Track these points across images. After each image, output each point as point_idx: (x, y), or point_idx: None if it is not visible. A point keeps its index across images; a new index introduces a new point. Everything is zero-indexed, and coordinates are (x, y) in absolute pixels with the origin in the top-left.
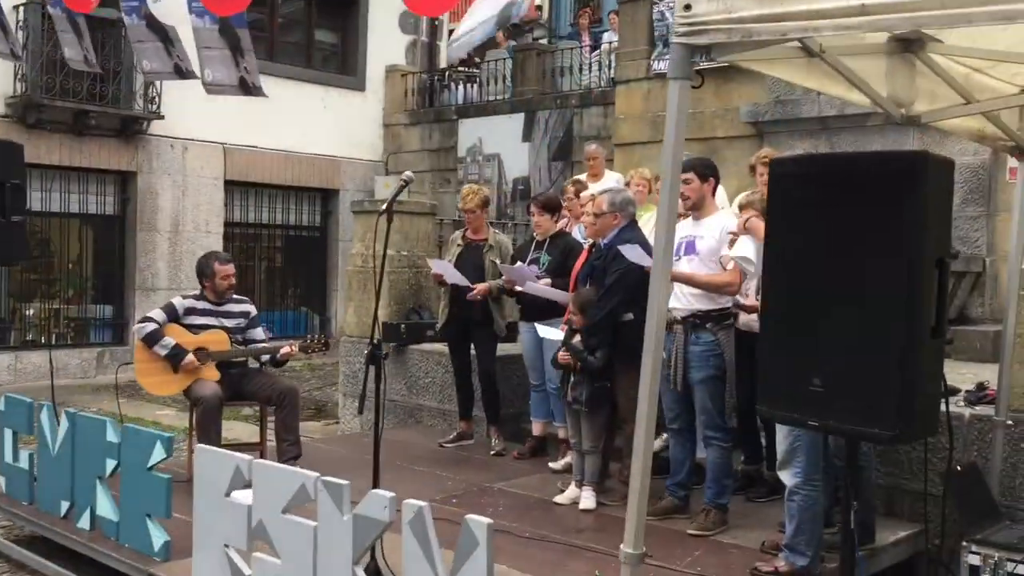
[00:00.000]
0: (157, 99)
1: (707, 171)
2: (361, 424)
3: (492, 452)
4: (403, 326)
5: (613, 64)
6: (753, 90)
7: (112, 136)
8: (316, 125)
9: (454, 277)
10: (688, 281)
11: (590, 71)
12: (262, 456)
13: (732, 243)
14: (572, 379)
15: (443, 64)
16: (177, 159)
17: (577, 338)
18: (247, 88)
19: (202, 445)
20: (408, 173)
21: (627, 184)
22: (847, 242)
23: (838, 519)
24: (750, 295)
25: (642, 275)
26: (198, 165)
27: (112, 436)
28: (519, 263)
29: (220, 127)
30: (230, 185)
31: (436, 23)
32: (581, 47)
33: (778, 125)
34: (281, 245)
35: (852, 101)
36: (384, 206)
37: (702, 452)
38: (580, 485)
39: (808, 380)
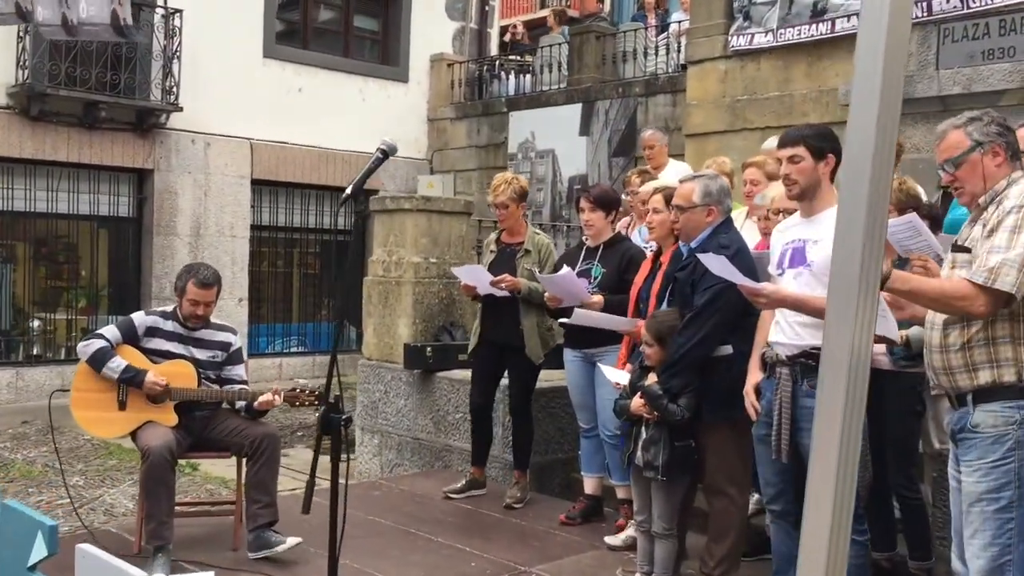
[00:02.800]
0: (175, 89)
1: (824, 145)
2: (381, 466)
3: (505, 504)
4: (430, 349)
5: (683, 47)
6: (853, 67)
7: (126, 130)
8: (353, 119)
9: (487, 286)
10: (797, 306)
11: (656, 55)
12: (241, 520)
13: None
14: (643, 434)
15: (493, 52)
16: (199, 155)
17: (652, 378)
18: (119, 29)
19: (84, 546)
20: (387, 140)
21: None
22: None
23: None
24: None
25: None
26: (222, 162)
27: None
28: (565, 269)
29: (246, 120)
30: (257, 184)
31: (487, 8)
32: (646, 28)
33: None
34: (313, 251)
35: None
36: (350, 188)
37: None
38: None
39: None
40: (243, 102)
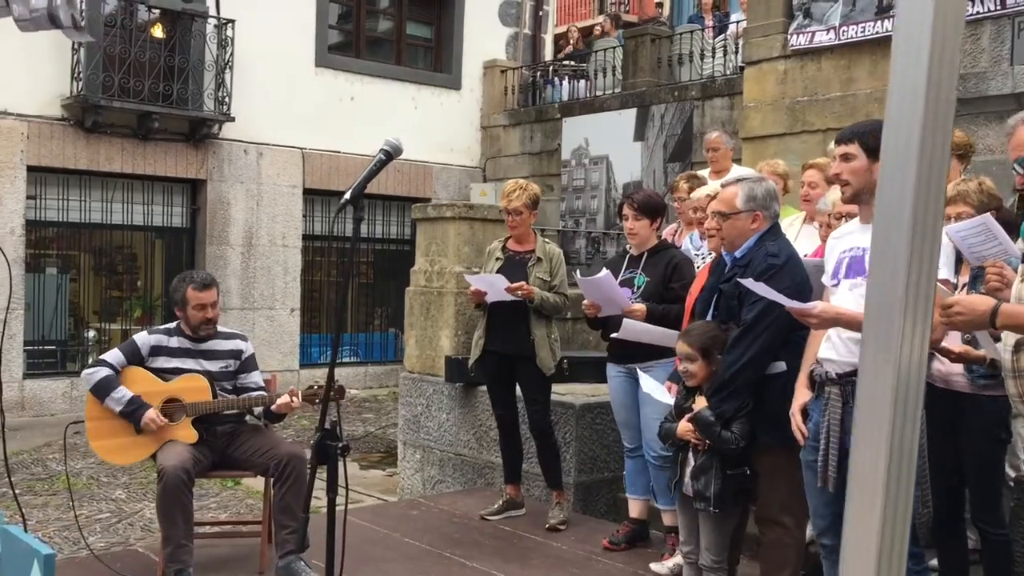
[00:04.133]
0: (228, 99)
1: (880, 143)
2: (423, 482)
3: (547, 526)
4: (472, 362)
5: (741, 48)
6: None
7: (179, 140)
8: (406, 127)
9: (500, 294)
10: (851, 324)
11: (713, 57)
12: (269, 540)
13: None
14: (691, 460)
15: (547, 58)
16: (251, 165)
17: (700, 402)
18: (55, 19)
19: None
20: (392, 139)
21: None
22: None
23: None
24: (953, 334)
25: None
26: (274, 172)
27: None
28: (604, 271)
29: (298, 130)
30: (309, 194)
31: (541, 13)
32: (704, 28)
33: (957, 106)
34: (366, 260)
35: None
36: (348, 192)
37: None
38: None
39: None
40: (295, 111)
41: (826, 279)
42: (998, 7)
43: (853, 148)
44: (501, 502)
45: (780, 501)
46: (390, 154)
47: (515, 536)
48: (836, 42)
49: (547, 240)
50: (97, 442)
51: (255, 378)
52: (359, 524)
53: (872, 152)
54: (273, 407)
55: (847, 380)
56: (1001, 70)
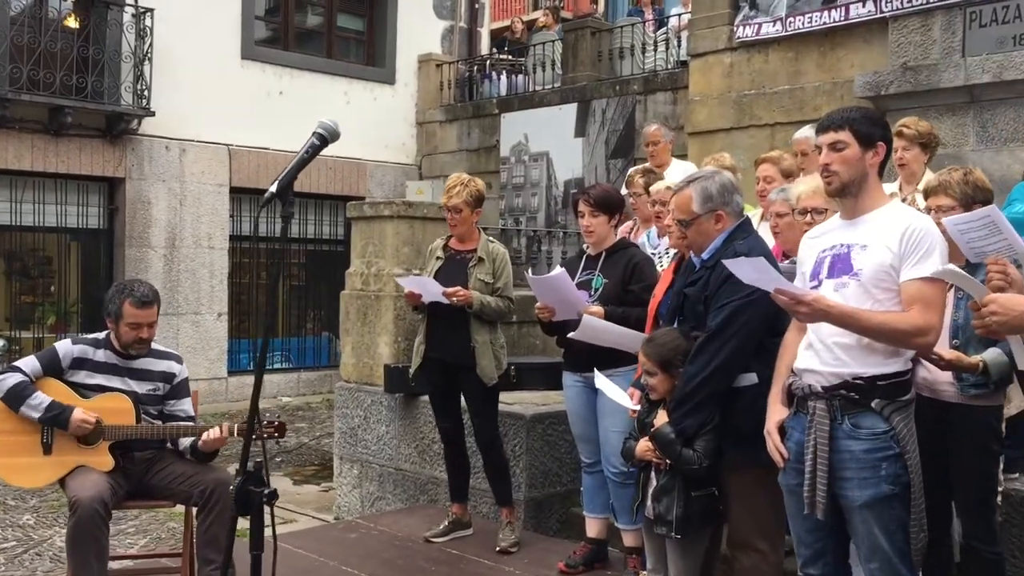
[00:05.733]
0: (147, 93)
1: (874, 131)
2: (361, 500)
3: (498, 548)
4: (412, 370)
5: (683, 43)
6: (871, 55)
7: (95, 136)
8: (338, 123)
9: (435, 295)
10: (845, 320)
11: (655, 51)
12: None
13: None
14: (655, 481)
15: (484, 52)
16: (173, 163)
17: (661, 417)
18: None
19: None
20: (326, 121)
21: None
22: None
23: None
24: (942, 338)
25: (769, 310)
26: (198, 170)
27: None
28: (559, 270)
29: (223, 125)
30: (236, 192)
31: (476, 6)
32: (644, 22)
33: (908, 99)
34: (298, 262)
35: None
36: (275, 185)
37: None
38: None
39: None
40: (220, 106)
41: (801, 283)
42: None
43: (844, 135)
44: (447, 522)
45: (753, 524)
46: (325, 138)
47: (463, 560)
48: (783, 33)
49: (492, 239)
50: (1, 460)
51: (185, 406)
52: (292, 551)
53: (865, 140)
54: (200, 443)
55: (835, 393)
56: (953, 62)
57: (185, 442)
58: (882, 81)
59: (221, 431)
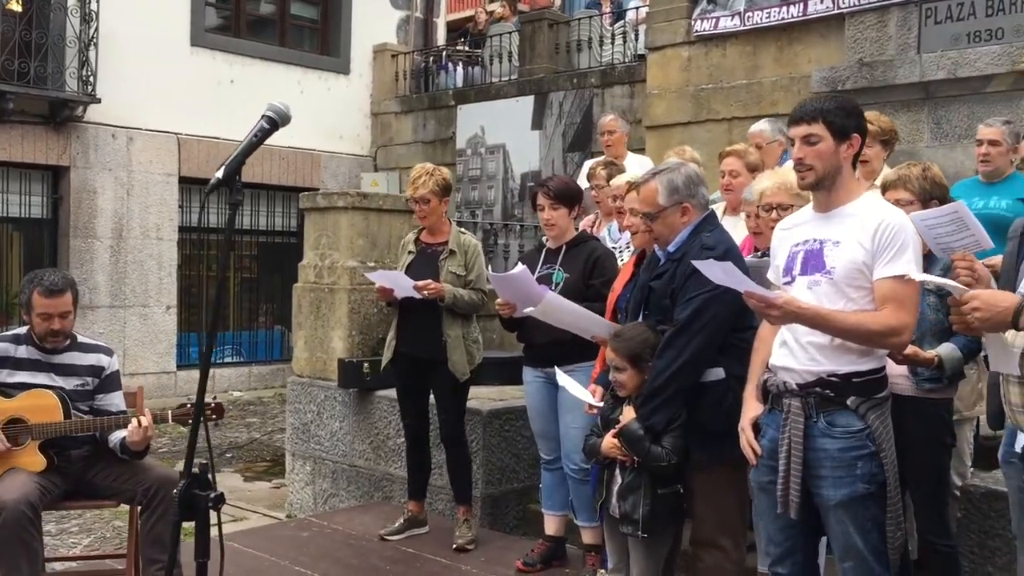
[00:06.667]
0: (93, 79)
1: (848, 123)
2: (314, 497)
3: (455, 546)
4: (367, 365)
5: (641, 36)
6: (828, 51)
7: (38, 123)
8: (289, 106)
9: (407, 290)
10: (818, 322)
11: (612, 44)
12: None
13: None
14: (619, 478)
15: (441, 42)
16: (120, 151)
17: (628, 413)
18: None
19: None
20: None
21: None
22: None
23: None
24: None
25: (736, 304)
26: (146, 159)
27: None
28: (521, 267)
29: (173, 114)
30: (185, 182)
31: None
32: (601, 15)
33: (864, 95)
34: (249, 253)
35: None
36: (221, 170)
37: None
38: None
39: None
40: (169, 94)
41: (775, 275)
42: None
43: (818, 128)
44: (403, 520)
45: (718, 522)
46: (275, 122)
47: (419, 559)
48: (741, 28)
49: (463, 231)
50: None
51: (116, 400)
52: (242, 551)
53: (839, 132)
54: (127, 439)
55: (810, 391)
56: (908, 58)
57: (114, 440)
58: (839, 76)
59: (141, 421)
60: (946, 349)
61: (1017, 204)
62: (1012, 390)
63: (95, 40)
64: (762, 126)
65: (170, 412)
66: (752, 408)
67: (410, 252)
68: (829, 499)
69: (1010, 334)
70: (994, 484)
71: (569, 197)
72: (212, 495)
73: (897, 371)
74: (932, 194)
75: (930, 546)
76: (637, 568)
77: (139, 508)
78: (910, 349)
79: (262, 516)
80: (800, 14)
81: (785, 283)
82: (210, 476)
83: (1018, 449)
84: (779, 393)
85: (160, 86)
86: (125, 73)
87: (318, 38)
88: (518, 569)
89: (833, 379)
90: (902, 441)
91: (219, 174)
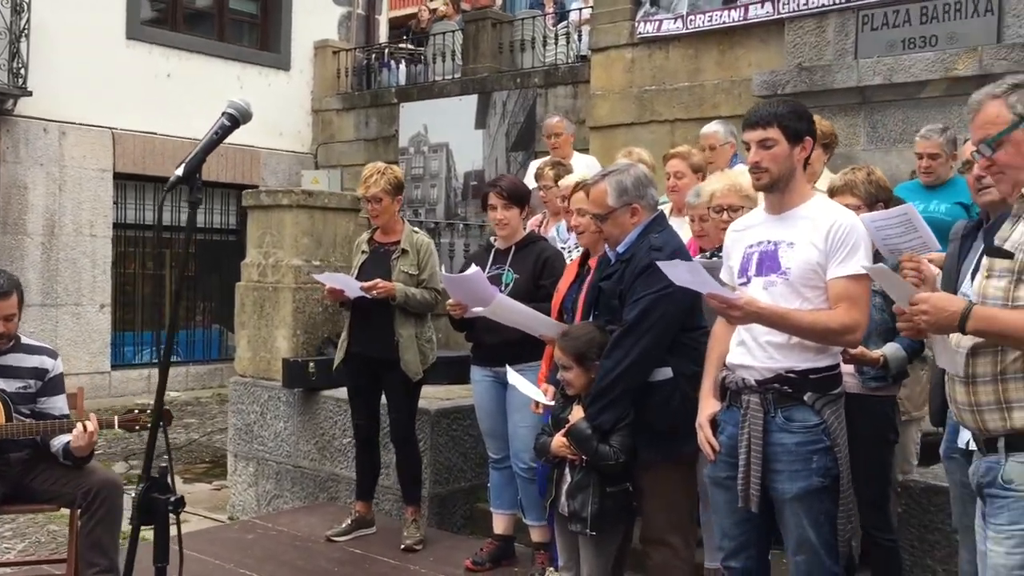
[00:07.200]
0: (24, 72)
1: (801, 126)
2: (257, 498)
3: (403, 547)
4: (312, 364)
5: (584, 37)
6: (768, 55)
7: None
8: (250, 104)
9: (357, 291)
10: (776, 322)
11: (556, 45)
12: None
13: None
14: (568, 477)
15: (383, 39)
16: (52, 146)
17: (577, 412)
18: None
19: None
20: (237, 100)
21: None
22: None
23: None
24: None
25: (685, 304)
26: (79, 154)
27: None
28: (474, 268)
29: (107, 108)
30: (120, 179)
31: None
32: (544, 15)
33: (803, 99)
34: (189, 251)
35: None
36: (181, 168)
37: None
38: None
39: None
40: (103, 88)
41: (728, 276)
42: (843, 0)
43: (773, 132)
44: (349, 520)
45: (667, 520)
46: (236, 119)
47: (367, 559)
48: (683, 31)
49: (416, 230)
50: None
51: (59, 403)
52: (185, 554)
53: (794, 136)
54: (71, 444)
55: (768, 388)
56: (846, 63)
57: (57, 445)
58: (779, 80)
59: (87, 427)
60: (891, 349)
61: (956, 208)
62: (957, 388)
63: (26, 31)
64: (715, 127)
65: (116, 418)
66: (709, 405)
67: (363, 252)
68: (785, 492)
69: (955, 336)
70: (934, 479)
71: (520, 197)
72: (172, 499)
73: (844, 370)
74: (878, 197)
75: (872, 540)
76: (587, 566)
77: (80, 511)
78: (857, 349)
79: (203, 518)
80: (741, 19)
81: (740, 284)
82: (169, 479)
83: (961, 445)
84: (738, 390)
85: (94, 79)
86: (58, 65)
87: (258, 33)
88: (467, 568)
89: (791, 375)
90: (848, 437)
91: (179, 172)
